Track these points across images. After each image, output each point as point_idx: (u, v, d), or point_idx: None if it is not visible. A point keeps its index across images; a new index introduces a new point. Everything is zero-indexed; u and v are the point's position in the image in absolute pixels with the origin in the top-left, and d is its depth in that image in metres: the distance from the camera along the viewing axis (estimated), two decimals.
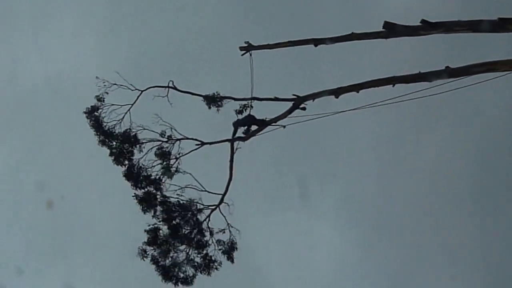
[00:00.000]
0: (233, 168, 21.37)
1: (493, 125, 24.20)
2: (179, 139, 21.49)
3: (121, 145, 21.60)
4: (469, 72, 18.34)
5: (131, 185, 21.73)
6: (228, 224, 21.23)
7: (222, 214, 21.32)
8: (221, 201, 21.38)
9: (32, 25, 26.29)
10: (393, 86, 19.33)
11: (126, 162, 21.78)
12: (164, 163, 21.55)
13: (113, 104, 21.49)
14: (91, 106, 21.60)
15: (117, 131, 21.58)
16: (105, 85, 21.24)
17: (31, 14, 26.38)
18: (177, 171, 21.54)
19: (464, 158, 25.42)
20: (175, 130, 21.43)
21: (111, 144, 21.71)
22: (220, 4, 24.66)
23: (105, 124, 21.57)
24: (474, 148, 25.31)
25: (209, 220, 21.46)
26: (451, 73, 18.56)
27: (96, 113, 21.55)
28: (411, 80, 19.08)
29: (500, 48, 18.26)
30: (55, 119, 25.32)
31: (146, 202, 21.60)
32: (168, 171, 21.55)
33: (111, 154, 21.73)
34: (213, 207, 21.44)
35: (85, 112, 21.69)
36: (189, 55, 24.54)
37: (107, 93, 21.36)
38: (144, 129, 21.53)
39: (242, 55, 20.88)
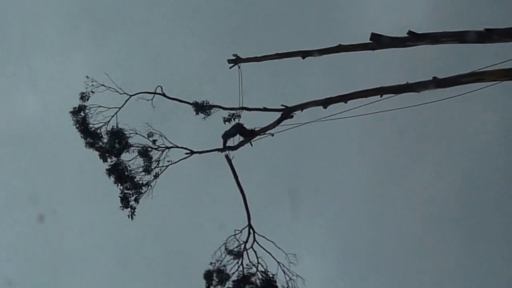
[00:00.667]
0: (241, 184, 21.15)
1: (482, 134, 24.11)
2: (169, 147, 21.55)
3: (110, 143, 21.57)
4: (457, 82, 18.40)
5: (114, 181, 21.77)
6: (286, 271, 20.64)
7: (264, 249, 20.92)
8: (251, 230, 21.16)
9: (21, 40, 26.16)
10: (381, 96, 19.36)
11: (113, 158, 21.76)
12: (147, 163, 21.58)
13: (100, 106, 21.56)
14: (78, 106, 21.61)
15: (102, 133, 21.61)
16: (93, 85, 21.30)
17: (19, 30, 26.25)
18: (156, 176, 21.56)
19: (456, 175, 25.23)
20: (165, 138, 21.51)
21: (97, 144, 21.66)
22: (209, 17, 24.62)
23: (91, 125, 21.57)
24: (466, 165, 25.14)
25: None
26: (438, 83, 18.63)
27: (82, 113, 21.54)
28: (398, 90, 19.10)
29: (488, 58, 18.31)
30: (45, 133, 25.22)
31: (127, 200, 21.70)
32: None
33: (97, 149, 21.74)
34: (247, 242, 21.10)
35: (71, 112, 21.62)
36: (180, 66, 24.46)
37: (92, 92, 21.42)
38: (136, 133, 21.60)
39: (231, 67, 20.90)
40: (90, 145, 21.71)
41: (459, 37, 17.67)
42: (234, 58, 20.81)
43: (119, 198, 21.75)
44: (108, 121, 21.56)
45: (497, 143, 23.55)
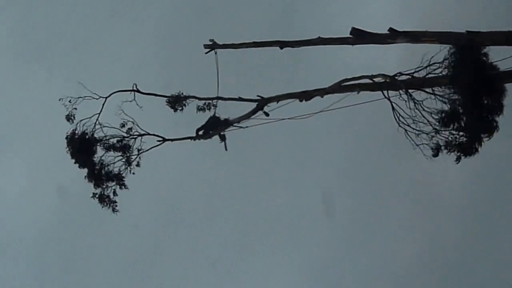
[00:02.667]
0: None
1: None
2: (141, 135, 21.14)
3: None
4: (434, 83, 18.34)
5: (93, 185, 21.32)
6: None
7: None
8: None
9: None
10: (358, 93, 19.23)
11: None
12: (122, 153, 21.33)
13: (82, 120, 20.86)
14: (71, 132, 20.94)
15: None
16: (70, 102, 20.69)
17: None
18: (129, 165, 21.24)
19: None
20: (138, 125, 21.07)
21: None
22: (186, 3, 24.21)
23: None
24: None
25: None
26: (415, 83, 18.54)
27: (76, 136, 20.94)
28: (376, 88, 18.97)
29: None
30: None
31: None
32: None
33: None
34: None
35: (67, 139, 20.95)
36: (154, 54, 24.07)
37: (75, 108, 20.79)
38: (111, 127, 21.00)
39: (207, 53, 20.53)
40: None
41: (440, 38, 17.66)
42: (210, 43, 20.46)
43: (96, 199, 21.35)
44: (94, 129, 20.89)
45: None
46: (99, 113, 20.76)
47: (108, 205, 21.22)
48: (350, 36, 18.44)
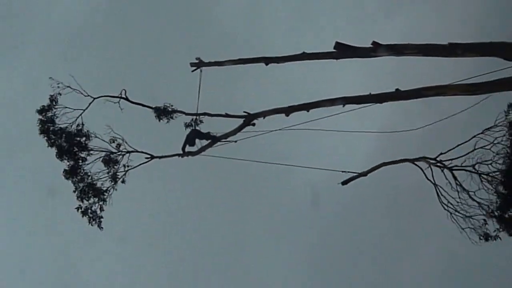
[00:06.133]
0: None
1: None
2: (129, 152, 21.30)
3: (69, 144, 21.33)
4: (419, 95, 18.42)
5: (77, 196, 21.37)
6: None
7: None
8: None
9: None
10: (343, 106, 19.25)
11: (71, 162, 21.48)
12: (109, 169, 21.32)
13: (66, 107, 21.25)
14: (43, 106, 21.25)
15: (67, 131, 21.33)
16: (59, 87, 20.95)
17: None
18: (116, 182, 21.33)
19: None
20: (126, 142, 21.28)
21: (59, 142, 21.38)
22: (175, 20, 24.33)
23: (56, 125, 21.29)
24: None
25: None
26: (401, 95, 18.62)
27: (48, 113, 21.25)
28: (361, 101, 19.03)
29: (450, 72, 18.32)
30: None
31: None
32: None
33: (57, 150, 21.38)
34: None
35: (38, 111, 21.27)
36: (145, 70, 24.11)
37: (60, 94, 21.07)
38: (96, 136, 21.38)
39: (193, 71, 20.61)
40: (52, 144, 21.33)
41: (422, 50, 17.68)
42: (196, 61, 20.52)
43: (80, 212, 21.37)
44: (73, 123, 21.30)
45: None
46: (84, 110, 21.02)
47: (94, 221, 21.20)
48: (334, 50, 18.46)
